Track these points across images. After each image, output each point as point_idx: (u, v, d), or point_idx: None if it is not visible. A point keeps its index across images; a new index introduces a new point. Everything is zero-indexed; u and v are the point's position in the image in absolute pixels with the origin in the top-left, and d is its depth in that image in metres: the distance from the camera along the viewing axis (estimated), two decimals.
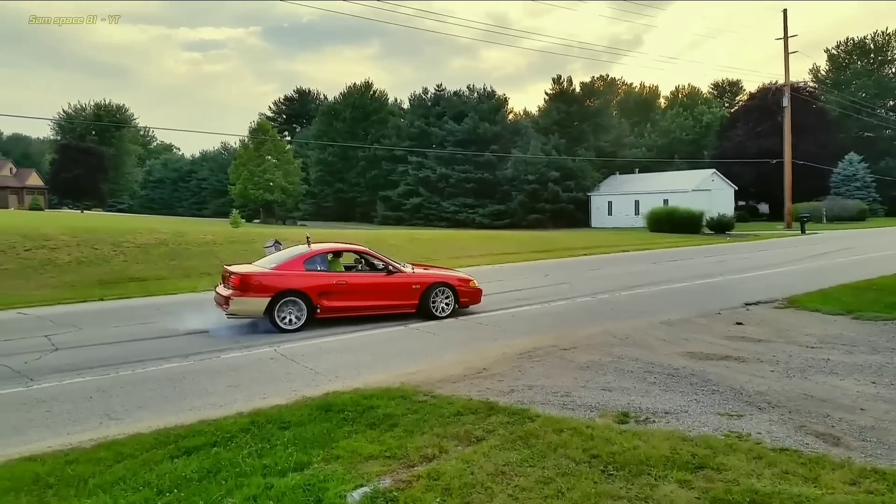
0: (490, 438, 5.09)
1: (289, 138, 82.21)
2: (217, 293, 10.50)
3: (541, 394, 6.37)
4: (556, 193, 57.80)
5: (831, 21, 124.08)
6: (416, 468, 4.56)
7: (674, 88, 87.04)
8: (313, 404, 6.09)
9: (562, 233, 42.48)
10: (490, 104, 66.49)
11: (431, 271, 12.08)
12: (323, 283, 10.38)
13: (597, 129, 64.54)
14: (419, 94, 73.36)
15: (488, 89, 68.65)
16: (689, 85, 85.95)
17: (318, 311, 10.26)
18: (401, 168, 67.93)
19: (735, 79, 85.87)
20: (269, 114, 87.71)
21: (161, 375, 7.68)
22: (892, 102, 70.00)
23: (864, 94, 66.39)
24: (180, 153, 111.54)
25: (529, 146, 60.15)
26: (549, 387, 6.61)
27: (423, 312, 11.13)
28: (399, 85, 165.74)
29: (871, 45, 71.52)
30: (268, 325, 10.01)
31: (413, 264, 12.32)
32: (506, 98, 68.73)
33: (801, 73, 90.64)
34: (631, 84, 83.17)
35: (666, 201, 49.10)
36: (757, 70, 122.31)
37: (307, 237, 11.63)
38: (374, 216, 70.34)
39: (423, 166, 65.56)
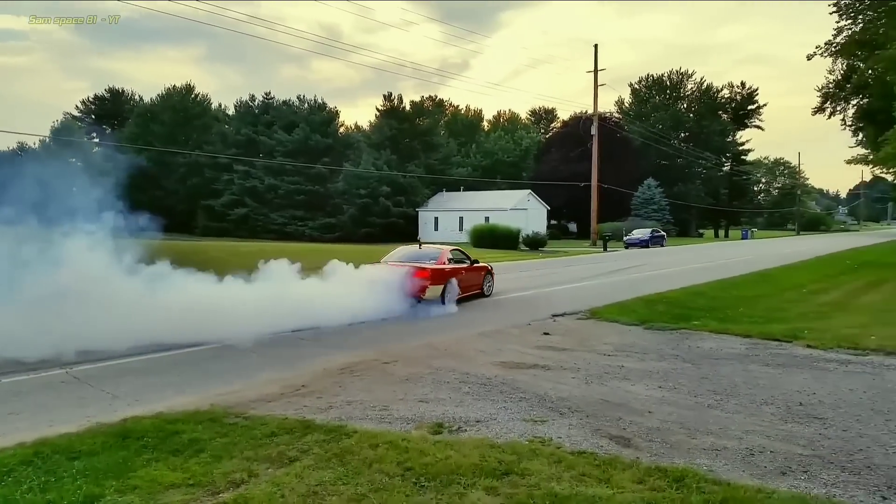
0: (304, 458, 4.95)
1: (98, 140, 74.62)
2: (404, 280, 12.53)
3: (359, 409, 6.33)
4: (387, 208, 58.45)
5: (638, 58, 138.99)
6: (221, 495, 4.31)
7: (496, 112, 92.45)
8: (109, 431, 5.52)
9: (391, 247, 42.75)
10: (321, 116, 65.70)
11: (480, 262, 15.76)
12: (458, 273, 14.11)
13: (426, 147, 66.39)
14: (246, 101, 70.62)
15: (319, 101, 67.96)
16: (510, 110, 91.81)
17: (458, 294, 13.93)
18: (226, 177, 64.59)
19: (551, 107, 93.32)
20: (77, 113, 79.26)
21: None
22: (683, 134, 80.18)
23: (661, 126, 75.21)
24: None
25: (361, 160, 60.30)
26: (368, 401, 6.59)
27: (484, 292, 15.43)
28: (225, 90, 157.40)
29: (668, 82, 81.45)
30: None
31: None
32: (337, 111, 68.56)
33: (609, 105, 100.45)
34: (458, 106, 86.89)
35: (487, 219, 51.91)
36: (571, 100, 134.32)
37: (419, 240, 16.71)
38: (194, 227, 65.99)
39: (250, 176, 62.97)
